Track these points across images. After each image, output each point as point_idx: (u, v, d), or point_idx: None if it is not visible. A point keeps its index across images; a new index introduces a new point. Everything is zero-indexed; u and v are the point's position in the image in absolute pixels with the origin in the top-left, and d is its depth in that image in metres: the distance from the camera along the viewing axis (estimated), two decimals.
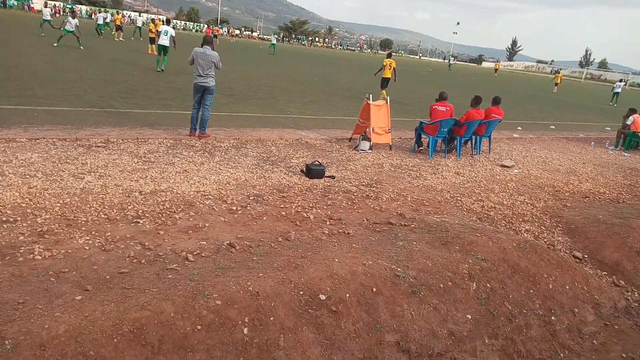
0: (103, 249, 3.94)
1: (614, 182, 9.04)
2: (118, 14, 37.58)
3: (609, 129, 17.16)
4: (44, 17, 26.54)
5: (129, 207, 4.85)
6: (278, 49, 47.33)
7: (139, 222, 4.55)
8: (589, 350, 4.24)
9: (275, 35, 49.90)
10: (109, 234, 4.22)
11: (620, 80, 33.54)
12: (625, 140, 13.12)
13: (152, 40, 24.26)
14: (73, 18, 21.96)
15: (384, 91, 16.21)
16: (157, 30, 29.40)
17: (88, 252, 3.85)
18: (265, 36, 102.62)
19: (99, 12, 40.64)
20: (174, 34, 16.90)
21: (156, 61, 16.54)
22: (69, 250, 3.83)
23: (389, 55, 17.17)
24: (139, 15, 43.71)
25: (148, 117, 9.34)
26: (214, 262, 3.88)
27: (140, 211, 4.80)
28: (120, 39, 31.89)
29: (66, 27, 21.52)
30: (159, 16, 78.48)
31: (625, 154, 12.33)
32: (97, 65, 16.37)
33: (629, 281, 5.42)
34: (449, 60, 75.08)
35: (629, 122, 13.16)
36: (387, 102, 9.48)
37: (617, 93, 31.30)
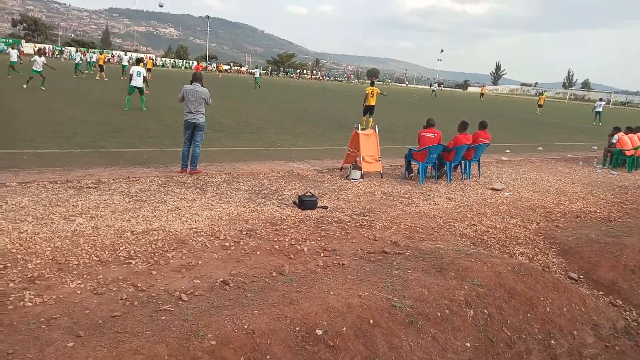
0: (95, 292, 3.89)
1: (604, 201, 9.12)
2: (101, 54, 37.78)
3: (596, 148, 17.41)
4: (11, 59, 25.60)
5: (121, 248, 4.81)
6: (267, 82, 47.90)
7: (131, 263, 4.50)
8: None
9: (258, 69, 50.29)
10: (100, 276, 4.17)
11: (601, 99, 34.14)
12: (612, 158, 13.31)
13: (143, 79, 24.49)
14: (40, 57, 21.45)
15: (370, 119, 16.67)
16: (147, 69, 29.64)
17: (80, 297, 3.80)
18: (254, 70, 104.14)
19: (76, 52, 40.72)
20: (145, 74, 17.05)
21: (126, 100, 16.51)
22: (61, 296, 3.77)
23: (372, 84, 17.82)
24: (125, 54, 44.00)
25: (139, 155, 9.36)
26: (208, 301, 3.83)
27: (132, 251, 4.76)
28: (98, 78, 31.81)
29: (34, 68, 20.93)
30: (149, 55, 79.58)
31: (613, 172, 12.48)
32: (85, 106, 16.46)
33: (627, 300, 5.41)
34: (433, 86, 76.31)
35: (614, 141, 13.37)
36: (375, 130, 9.60)
37: (599, 112, 31.78)
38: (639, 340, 4.69)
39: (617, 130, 13.67)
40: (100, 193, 6.55)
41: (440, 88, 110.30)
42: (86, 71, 35.31)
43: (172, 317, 3.53)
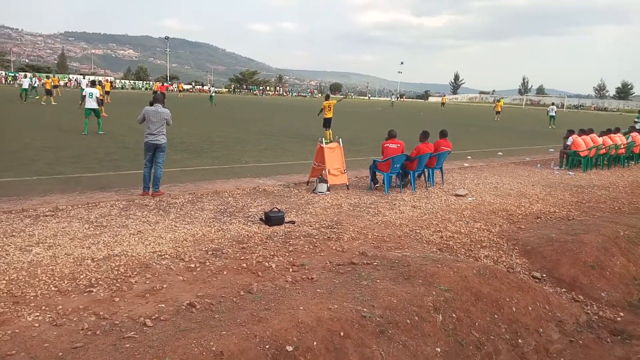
0: (54, 323, 3.73)
1: (563, 201, 9.44)
2: (48, 79, 36.44)
3: (553, 150, 18.06)
4: None
5: (81, 276, 4.64)
6: (230, 100, 47.69)
7: (92, 291, 4.35)
8: None
9: (213, 88, 49.75)
10: (60, 307, 4.00)
11: (553, 104, 35.68)
12: (568, 159, 13.81)
13: (101, 102, 23.98)
14: None
15: (329, 132, 17.20)
16: (105, 91, 28.96)
17: (38, 329, 3.63)
18: (217, 89, 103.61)
19: (24, 77, 39.27)
20: (98, 95, 16.83)
21: (84, 124, 16.11)
22: (17, 330, 3.60)
23: (327, 97, 18.69)
24: (83, 78, 43.05)
25: (99, 180, 9.12)
26: (174, 325, 3.73)
27: (94, 279, 4.61)
28: (43, 102, 30.52)
29: None
30: (106, 77, 78.09)
31: (570, 173, 12.96)
32: (42, 133, 15.95)
33: (587, 295, 5.58)
34: (391, 98, 77.58)
35: (569, 143, 13.90)
36: (339, 143, 9.67)
37: (553, 116, 33.14)
38: (600, 333, 4.83)
39: (571, 132, 14.21)
40: (58, 221, 6.33)
41: (402, 99, 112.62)
42: (31, 97, 33.60)
43: (136, 344, 3.42)
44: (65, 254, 5.19)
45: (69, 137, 15.17)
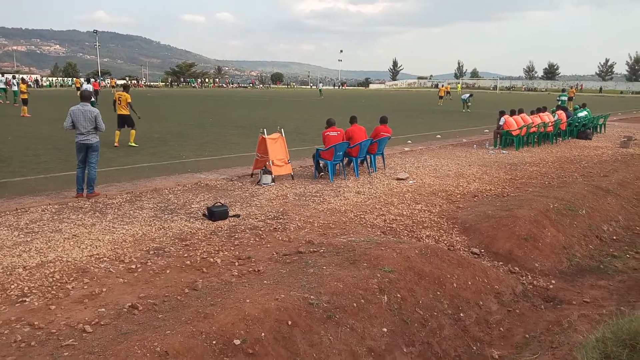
0: None
1: (497, 179, 9.90)
2: None
3: (487, 130, 18.85)
4: None
5: (12, 287, 4.38)
6: (168, 94, 45.94)
7: (25, 301, 4.12)
8: (497, 337, 4.53)
9: (82, 79, 45.32)
10: None
11: (466, 85, 37.21)
12: (502, 139, 14.48)
13: (25, 102, 22.58)
14: None
15: (118, 131, 13.37)
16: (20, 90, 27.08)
17: None
18: (152, 83, 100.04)
19: None
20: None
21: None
22: None
23: (126, 88, 13.98)
24: (13, 78, 39.65)
25: (28, 184, 8.59)
26: (116, 329, 3.60)
27: (26, 288, 4.36)
28: None
29: None
30: (32, 75, 73.41)
31: (504, 152, 13.60)
32: None
33: (522, 266, 5.92)
34: (319, 86, 75.49)
35: (501, 123, 14.56)
36: (282, 133, 9.63)
37: (464, 100, 34.58)
38: (535, 301, 5.14)
39: (502, 113, 14.89)
40: None
41: (343, 87, 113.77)
42: None
43: (76, 352, 3.28)
44: None
45: None
